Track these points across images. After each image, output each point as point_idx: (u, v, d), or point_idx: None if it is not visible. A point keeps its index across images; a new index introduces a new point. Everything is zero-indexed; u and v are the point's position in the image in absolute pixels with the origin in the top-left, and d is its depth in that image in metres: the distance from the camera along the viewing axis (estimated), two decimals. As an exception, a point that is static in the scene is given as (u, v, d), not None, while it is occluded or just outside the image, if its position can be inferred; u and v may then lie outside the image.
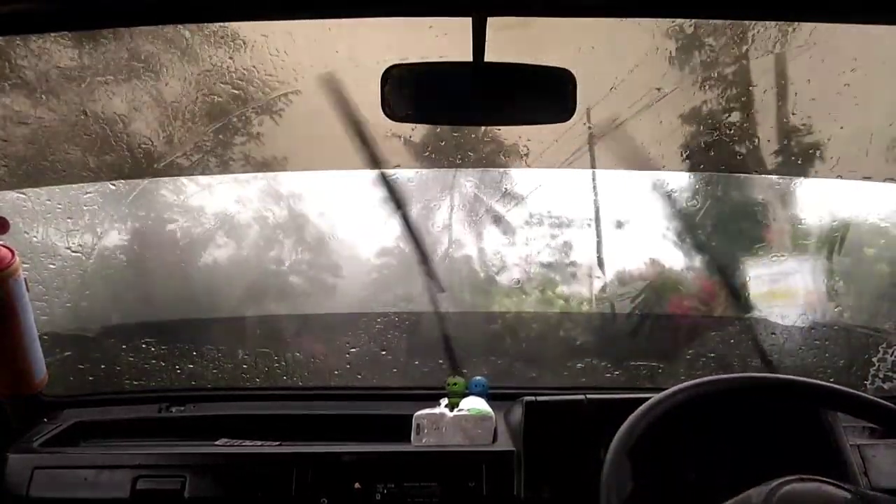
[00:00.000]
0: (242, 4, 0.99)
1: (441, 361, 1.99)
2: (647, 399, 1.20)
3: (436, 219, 2.30)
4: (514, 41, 1.19)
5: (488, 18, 1.01)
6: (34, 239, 1.98)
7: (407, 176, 2.18)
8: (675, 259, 2.42)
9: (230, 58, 1.98)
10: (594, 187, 2.37)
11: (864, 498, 1.03)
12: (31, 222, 1.97)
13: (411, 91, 1.12)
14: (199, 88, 2.02)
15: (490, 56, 1.08)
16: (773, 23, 1.94)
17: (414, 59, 1.16)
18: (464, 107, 1.15)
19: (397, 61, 1.12)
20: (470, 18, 1.01)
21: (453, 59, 1.13)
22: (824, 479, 1.05)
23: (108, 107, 2.01)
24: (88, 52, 1.93)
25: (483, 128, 2.17)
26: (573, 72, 1.12)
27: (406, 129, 2.12)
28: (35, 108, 1.96)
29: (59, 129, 2.01)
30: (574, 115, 1.14)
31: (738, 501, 1.07)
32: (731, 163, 2.24)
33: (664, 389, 1.22)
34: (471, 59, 1.08)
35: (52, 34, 1.83)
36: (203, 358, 2.03)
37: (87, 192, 2.07)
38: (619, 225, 2.40)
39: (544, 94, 1.14)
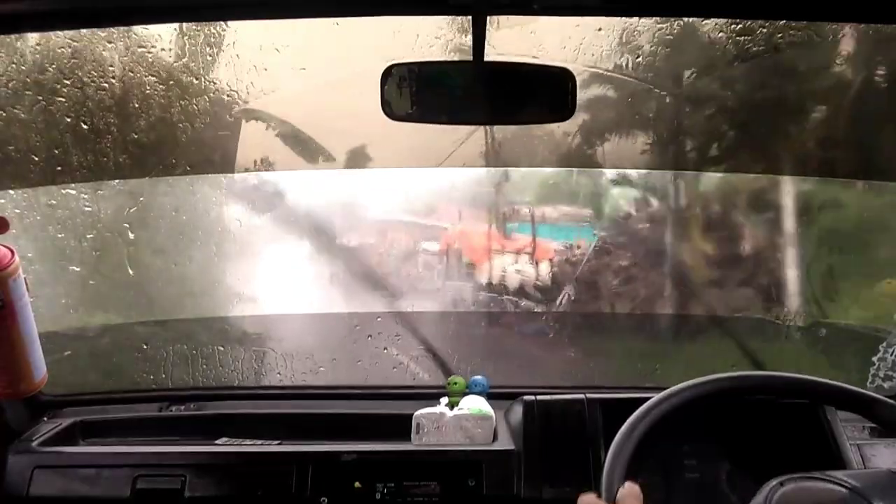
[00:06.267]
0: (243, 4, 0.99)
1: (440, 361, 1.99)
2: (647, 399, 1.20)
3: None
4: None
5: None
6: (33, 237, 1.98)
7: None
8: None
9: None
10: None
11: (861, 492, 1.02)
12: (30, 221, 1.97)
13: (411, 90, 1.12)
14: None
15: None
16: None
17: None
18: (464, 106, 1.15)
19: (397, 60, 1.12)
20: (470, 18, 1.01)
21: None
22: (822, 476, 1.05)
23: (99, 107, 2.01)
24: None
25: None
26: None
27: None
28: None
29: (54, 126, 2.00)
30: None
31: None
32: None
33: (664, 388, 1.22)
34: (471, 58, 1.08)
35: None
36: (203, 357, 2.03)
37: (85, 192, 2.06)
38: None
39: (544, 94, 1.14)
